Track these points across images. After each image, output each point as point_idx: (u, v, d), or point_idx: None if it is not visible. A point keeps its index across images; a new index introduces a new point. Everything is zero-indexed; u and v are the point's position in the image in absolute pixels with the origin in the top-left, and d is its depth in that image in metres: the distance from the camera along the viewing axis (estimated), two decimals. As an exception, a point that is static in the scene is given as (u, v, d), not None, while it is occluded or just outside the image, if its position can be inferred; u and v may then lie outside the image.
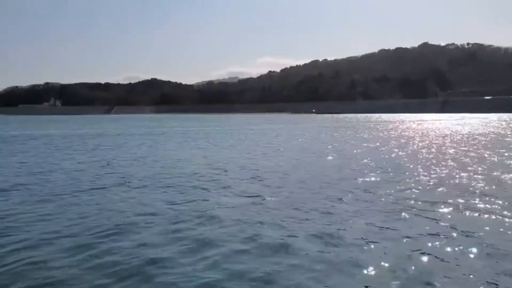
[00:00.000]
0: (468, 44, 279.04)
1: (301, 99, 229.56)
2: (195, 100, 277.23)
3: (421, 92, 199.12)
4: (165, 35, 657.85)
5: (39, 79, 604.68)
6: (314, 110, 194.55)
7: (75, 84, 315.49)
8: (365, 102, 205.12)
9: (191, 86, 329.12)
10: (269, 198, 11.40)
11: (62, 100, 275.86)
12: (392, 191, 12.14)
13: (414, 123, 71.55)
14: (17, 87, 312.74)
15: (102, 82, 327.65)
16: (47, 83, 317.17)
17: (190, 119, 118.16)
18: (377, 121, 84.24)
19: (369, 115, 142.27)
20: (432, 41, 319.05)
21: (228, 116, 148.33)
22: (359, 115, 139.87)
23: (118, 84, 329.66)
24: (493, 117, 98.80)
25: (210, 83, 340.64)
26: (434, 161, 19.10)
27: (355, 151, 24.59)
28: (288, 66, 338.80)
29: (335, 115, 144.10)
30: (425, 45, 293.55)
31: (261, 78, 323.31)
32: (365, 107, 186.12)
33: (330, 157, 21.55)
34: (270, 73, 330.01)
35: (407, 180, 14.10)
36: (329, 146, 28.03)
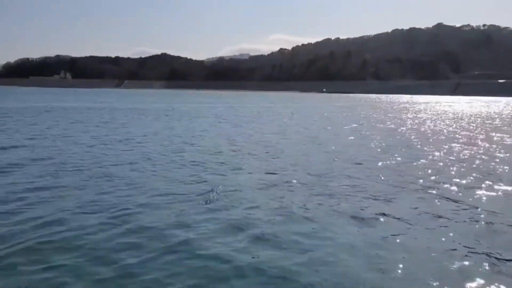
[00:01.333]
0: (484, 25, 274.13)
1: (312, 78, 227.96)
2: (205, 76, 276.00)
3: (433, 74, 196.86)
4: (176, 9, 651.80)
5: (50, 52, 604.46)
6: (324, 90, 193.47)
7: (86, 57, 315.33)
8: (375, 82, 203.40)
9: (201, 62, 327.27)
10: (295, 177, 11.47)
11: (72, 73, 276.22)
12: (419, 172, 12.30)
13: (430, 104, 70.98)
14: (28, 59, 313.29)
15: (112, 56, 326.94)
16: (58, 56, 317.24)
17: (203, 95, 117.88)
18: (392, 101, 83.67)
19: (380, 95, 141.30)
20: (447, 22, 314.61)
21: (240, 94, 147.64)
22: (371, 96, 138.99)
23: (128, 59, 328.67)
24: (506, 100, 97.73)
25: (220, 59, 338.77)
26: (453, 143, 19.13)
27: (375, 132, 24.62)
28: (300, 44, 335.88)
29: (346, 95, 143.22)
30: (439, 26, 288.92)
31: (272, 55, 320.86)
32: (376, 88, 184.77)
33: (352, 137, 21.63)
34: (281, 50, 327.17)
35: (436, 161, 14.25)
36: (351, 125, 28.09)
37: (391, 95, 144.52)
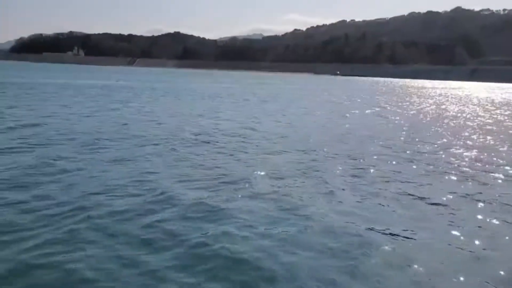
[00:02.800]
0: (504, 10, 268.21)
1: (326, 60, 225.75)
2: (217, 55, 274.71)
3: (449, 59, 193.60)
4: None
5: (64, 28, 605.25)
6: (338, 72, 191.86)
7: (99, 34, 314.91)
8: (390, 66, 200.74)
9: (214, 41, 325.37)
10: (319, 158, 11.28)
11: (86, 50, 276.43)
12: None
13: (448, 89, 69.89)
14: (41, 34, 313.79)
15: (125, 33, 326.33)
16: (71, 32, 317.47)
17: (217, 76, 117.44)
18: (412, 86, 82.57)
19: (394, 79, 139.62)
20: (466, 6, 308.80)
21: (251, 74, 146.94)
22: (384, 79, 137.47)
23: (141, 36, 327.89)
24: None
25: (233, 39, 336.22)
26: (475, 130, 18.59)
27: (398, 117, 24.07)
28: (315, 25, 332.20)
29: (359, 78, 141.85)
30: (457, 10, 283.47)
31: (285, 36, 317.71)
32: (390, 72, 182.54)
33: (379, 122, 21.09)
34: (295, 31, 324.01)
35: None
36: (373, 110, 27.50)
37: (406, 80, 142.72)
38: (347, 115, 23.89)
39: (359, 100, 37.70)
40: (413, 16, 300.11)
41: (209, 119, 19.76)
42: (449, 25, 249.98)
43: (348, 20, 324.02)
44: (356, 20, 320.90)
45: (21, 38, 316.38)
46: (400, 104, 34.83)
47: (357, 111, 26.34)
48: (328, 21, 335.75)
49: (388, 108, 30.25)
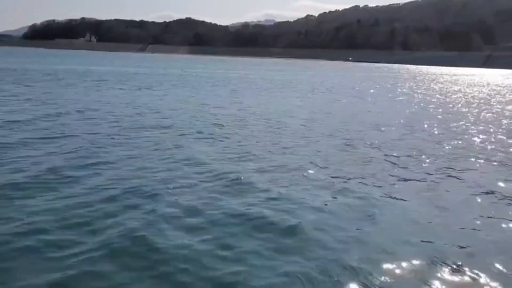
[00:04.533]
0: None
1: (338, 46, 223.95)
2: (229, 42, 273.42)
3: (464, 45, 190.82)
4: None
5: (76, 14, 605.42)
6: (350, 58, 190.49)
7: (111, 20, 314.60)
8: (403, 52, 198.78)
9: (226, 27, 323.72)
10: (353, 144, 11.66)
11: (98, 36, 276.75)
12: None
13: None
14: (54, 20, 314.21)
15: (137, 19, 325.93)
16: (83, 18, 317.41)
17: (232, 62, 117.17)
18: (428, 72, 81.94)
19: (408, 66, 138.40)
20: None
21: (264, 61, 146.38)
22: (398, 66, 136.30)
23: (153, 23, 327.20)
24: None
25: (245, 25, 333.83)
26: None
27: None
28: (327, 11, 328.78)
29: (372, 64, 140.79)
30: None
31: (298, 22, 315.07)
32: (404, 58, 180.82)
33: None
34: (308, 17, 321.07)
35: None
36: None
37: (420, 66, 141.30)
38: (376, 102, 24.04)
39: (379, 87, 37.80)
40: (426, 2, 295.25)
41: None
42: (463, 10, 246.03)
43: (361, 6, 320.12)
44: (369, 6, 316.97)
45: (33, 25, 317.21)
46: (424, 91, 34.88)
47: (385, 99, 26.43)
48: (340, 7, 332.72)
49: (415, 95, 30.36)
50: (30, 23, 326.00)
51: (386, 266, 5.05)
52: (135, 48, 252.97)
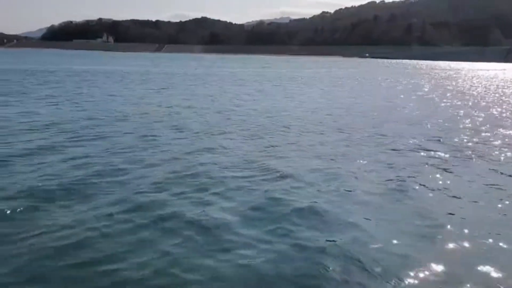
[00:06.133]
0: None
1: (354, 42, 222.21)
2: (244, 40, 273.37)
3: (483, 40, 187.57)
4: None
5: (93, 15, 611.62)
6: (367, 54, 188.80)
7: (127, 20, 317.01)
8: (421, 48, 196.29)
9: (241, 25, 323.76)
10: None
11: (115, 37, 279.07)
12: None
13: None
14: (71, 22, 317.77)
15: (153, 19, 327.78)
16: (100, 19, 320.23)
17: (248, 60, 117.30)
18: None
19: (426, 62, 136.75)
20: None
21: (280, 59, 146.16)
22: (417, 62, 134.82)
23: (169, 22, 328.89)
24: None
25: (260, 23, 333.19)
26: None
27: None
28: (343, 7, 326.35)
29: (389, 60, 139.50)
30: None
31: (313, 19, 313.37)
32: (421, 54, 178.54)
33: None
34: (323, 14, 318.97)
35: None
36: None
37: (438, 62, 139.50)
38: (398, 100, 23.85)
39: (405, 83, 37.47)
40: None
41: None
42: (482, 4, 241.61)
43: (377, 1, 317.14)
44: (386, 1, 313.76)
45: (52, 26, 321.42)
46: (448, 87, 34.43)
47: (413, 97, 26.13)
48: (356, 3, 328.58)
49: (445, 92, 30.01)
50: (48, 25, 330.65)
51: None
52: (151, 48, 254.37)
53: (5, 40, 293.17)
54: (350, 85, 34.35)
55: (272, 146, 10.94)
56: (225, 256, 5.17)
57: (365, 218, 6.29)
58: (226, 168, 8.73)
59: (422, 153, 10.47)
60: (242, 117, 15.59)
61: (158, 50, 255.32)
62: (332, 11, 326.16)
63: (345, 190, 7.63)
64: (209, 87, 29.13)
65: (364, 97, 24.01)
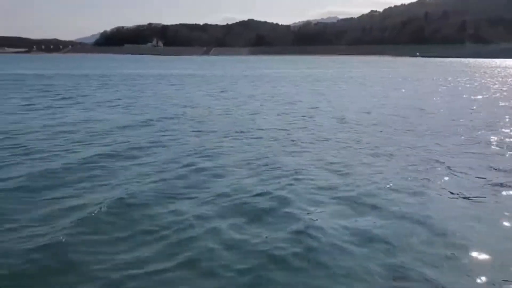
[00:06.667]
0: None
1: (404, 41, 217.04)
2: (291, 41, 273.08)
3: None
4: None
5: (143, 20, 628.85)
6: (418, 54, 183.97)
7: (176, 25, 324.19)
8: (475, 46, 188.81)
9: (287, 26, 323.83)
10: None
11: (164, 41, 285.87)
12: None
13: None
14: (123, 27, 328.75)
15: (201, 23, 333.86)
16: (150, 24, 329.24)
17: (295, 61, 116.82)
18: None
19: (482, 60, 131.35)
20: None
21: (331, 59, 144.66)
22: (469, 60, 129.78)
23: (216, 26, 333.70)
24: None
25: (307, 24, 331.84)
26: None
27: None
28: (392, 5, 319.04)
29: (442, 59, 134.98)
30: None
31: (361, 18, 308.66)
32: (475, 52, 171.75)
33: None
34: (372, 12, 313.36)
35: None
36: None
37: (496, 60, 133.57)
38: (463, 101, 22.69)
39: (463, 83, 35.90)
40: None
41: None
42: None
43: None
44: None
45: (104, 32, 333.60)
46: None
47: (479, 97, 24.77)
48: (406, 1, 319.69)
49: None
50: (101, 30, 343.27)
51: None
52: (199, 51, 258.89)
53: (61, 46, 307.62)
54: (408, 85, 33.09)
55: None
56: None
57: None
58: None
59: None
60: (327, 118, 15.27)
61: (205, 53, 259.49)
62: (381, 9, 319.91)
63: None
64: (271, 88, 29.13)
65: (430, 99, 22.87)
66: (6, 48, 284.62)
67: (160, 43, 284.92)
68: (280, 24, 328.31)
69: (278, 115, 16.30)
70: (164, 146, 10.49)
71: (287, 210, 6.32)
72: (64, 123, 13.98)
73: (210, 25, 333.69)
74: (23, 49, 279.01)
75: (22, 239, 5.29)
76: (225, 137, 11.72)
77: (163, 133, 12.23)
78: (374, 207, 6.49)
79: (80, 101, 20.60)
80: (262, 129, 12.96)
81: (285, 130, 12.89)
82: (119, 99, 21.78)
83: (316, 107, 18.59)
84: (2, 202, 6.55)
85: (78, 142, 10.91)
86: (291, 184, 7.46)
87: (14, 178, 7.73)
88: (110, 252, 5.04)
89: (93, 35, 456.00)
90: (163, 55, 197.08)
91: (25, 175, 7.92)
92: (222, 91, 26.38)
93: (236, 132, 12.47)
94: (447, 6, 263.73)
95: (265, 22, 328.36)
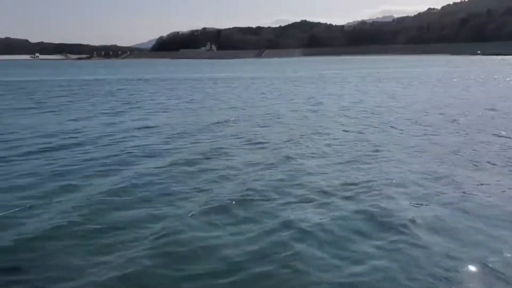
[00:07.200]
0: None
1: (464, 39, 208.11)
2: (345, 41, 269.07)
3: None
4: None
5: (198, 25, 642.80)
6: (479, 52, 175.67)
7: (229, 28, 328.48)
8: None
9: (341, 26, 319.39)
10: None
11: (218, 45, 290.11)
12: None
13: None
14: (178, 32, 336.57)
15: (254, 26, 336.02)
16: (204, 29, 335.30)
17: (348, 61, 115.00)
18: None
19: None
20: None
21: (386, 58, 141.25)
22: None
23: (269, 28, 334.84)
24: None
25: (361, 23, 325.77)
26: None
27: None
28: (451, 2, 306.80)
29: (506, 58, 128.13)
30: None
31: (418, 16, 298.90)
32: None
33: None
34: (429, 10, 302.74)
35: None
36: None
37: None
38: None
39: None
40: None
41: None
42: None
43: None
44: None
45: (160, 37, 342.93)
46: None
47: None
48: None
49: None
50: (157, 36, 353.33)
51: None
52: (252, 54, 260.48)
53: (119, 52, 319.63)
54: (482, 86, 31.45)
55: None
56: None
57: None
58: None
59: None
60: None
61: (258, 55, 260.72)
62: (439, 7, 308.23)
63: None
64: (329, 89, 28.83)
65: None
66: (69, 55, 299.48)
67: (214, 47, 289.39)
68: (333, 24, 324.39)
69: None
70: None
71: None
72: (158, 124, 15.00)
73: (263, 27, 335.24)
74: (84, 56, 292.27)
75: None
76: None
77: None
78: None
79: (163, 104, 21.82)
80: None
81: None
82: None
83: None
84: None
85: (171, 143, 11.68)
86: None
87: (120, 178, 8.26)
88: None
89: (149, 41, 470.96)
90: (217, 59, 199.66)
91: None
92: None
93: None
94: (510, 2, 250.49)
95: (318, 23, 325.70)
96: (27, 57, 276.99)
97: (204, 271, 4.82)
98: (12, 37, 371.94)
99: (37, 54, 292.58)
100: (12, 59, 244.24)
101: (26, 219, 6.26)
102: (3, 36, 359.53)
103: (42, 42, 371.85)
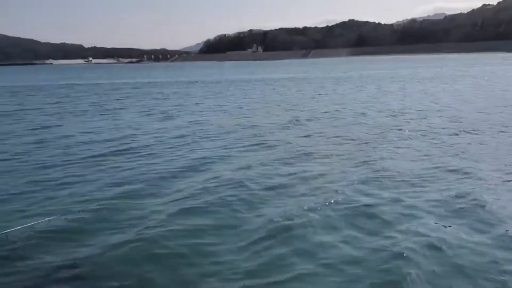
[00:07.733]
0: None
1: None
2: (394, 40, 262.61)
3: None
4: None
5: (244, 26, 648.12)
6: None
7: (275, 30, 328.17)
8: None
9: (390, 25, 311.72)
10: None
11: (264, 46, 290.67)
12: None
13: None
14: (225, 35, 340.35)
15: (300, 26, 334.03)
16: (250, 31, 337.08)
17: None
18: None
19: None
20: None
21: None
22: None
23: (315, 28, 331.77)
24: None
25: (412, 22, 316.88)
26: None
27: None
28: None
29: None
30: None
31: (472, 13, 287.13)
32: None
33: None
34: (484, 6, 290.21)
35: None
36: None
37: None
38: None
39: None
40: None
41: None
42: None
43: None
44: None
45: (207, 40, 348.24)
46: None
47: None
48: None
49: None
50: (204, 39, 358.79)
51: None
52: (298, 55, 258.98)
53: (168, 55, 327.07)
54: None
55: None
56: None
57: None
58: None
59: None
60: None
61: (304, 56, 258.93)
62: (494, 2, 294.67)
63: None
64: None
65: None
66: (120, 59, 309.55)
67: (260, 49, 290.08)
68: (382, 23, 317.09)
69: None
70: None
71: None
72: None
73: (309, 28, 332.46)
74: (135, 59, 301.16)
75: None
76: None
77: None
78: None
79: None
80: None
81: None
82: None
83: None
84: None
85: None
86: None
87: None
88: None
89: (197, 44, 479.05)
90: (263, 60, 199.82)
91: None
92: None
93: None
94: None
95: (367, 22, 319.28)
96: (81, 61, 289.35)
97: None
98: (67, 42, 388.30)
99: (91, 58, 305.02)
100: (68, 64, 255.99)
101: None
102: (59, 42, 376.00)
103: (95, 47, 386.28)
